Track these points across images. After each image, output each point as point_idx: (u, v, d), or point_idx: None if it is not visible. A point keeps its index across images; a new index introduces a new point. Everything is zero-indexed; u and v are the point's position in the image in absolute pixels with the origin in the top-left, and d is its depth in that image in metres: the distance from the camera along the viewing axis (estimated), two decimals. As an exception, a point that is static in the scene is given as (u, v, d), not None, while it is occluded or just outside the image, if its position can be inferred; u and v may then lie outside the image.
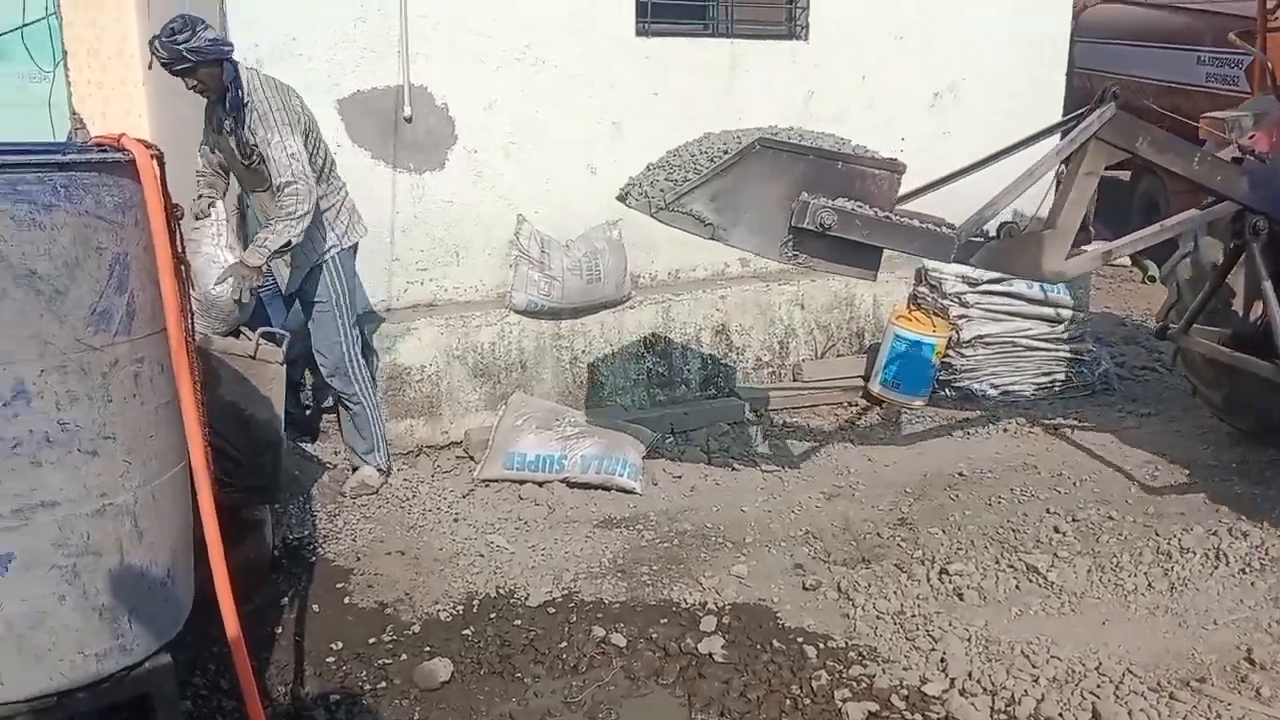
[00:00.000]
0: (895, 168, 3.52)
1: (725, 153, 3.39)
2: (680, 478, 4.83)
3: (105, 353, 2.00)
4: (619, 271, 5.29)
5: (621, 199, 3.65)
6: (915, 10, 6.09)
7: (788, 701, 3.15)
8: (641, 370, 5.51)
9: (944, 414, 5.65)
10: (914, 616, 3.59)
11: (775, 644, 3.43)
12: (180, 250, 2.14)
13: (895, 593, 3.74)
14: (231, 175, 4.31)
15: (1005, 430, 5.42)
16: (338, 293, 4.32)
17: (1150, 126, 3.91)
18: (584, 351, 5.38)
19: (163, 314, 2.09)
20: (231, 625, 2.28)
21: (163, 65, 3.83)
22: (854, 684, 3.22)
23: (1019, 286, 5.77)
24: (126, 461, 2.06)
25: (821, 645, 3.43)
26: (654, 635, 3.49)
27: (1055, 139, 4.04)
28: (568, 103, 5.30)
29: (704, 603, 3.70)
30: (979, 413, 5.66)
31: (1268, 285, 4.15)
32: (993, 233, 3.83)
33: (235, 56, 3.97)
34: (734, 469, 4.94)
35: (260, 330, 3.49)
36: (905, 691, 3.18)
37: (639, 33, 5.39)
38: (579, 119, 5.35)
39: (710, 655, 3.37)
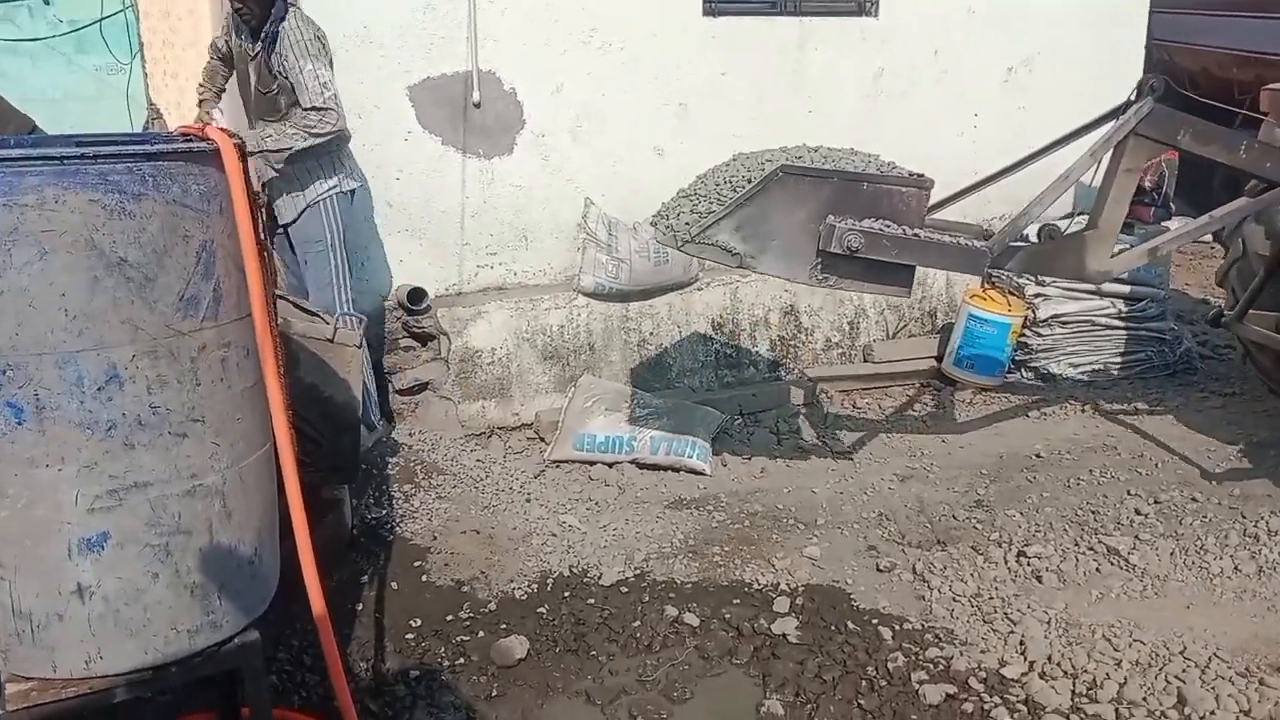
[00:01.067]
0: (922, 184, 3.48)
1: (749, 181, 3.40)
2: (750, 459, 4.82)
3: (193, 338, 2.05)
4: (687, 253, 5.27)
5: (654, 225, 3.69)
6: (988, -18, 5.96)
7: (863, 683, 3.13)
8: (710, 352, 5.50)
9: (1020, 395, 5.55)
10: (991, 599, 3.55)
11: (849, 625, 3.42)
12: (262, 237, 2.18)
13: (972, 575, 3.69)
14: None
15: (1083, 411, 5.31)
16: (333, 232, 4.37)
17: (1190, 118, 3.79)
18: (651, 334, 5.39)
19: (247, 299, 2.14)
20: (317, 603, 2.33)
21: None
22: (930, 666, 3.20)
23: (1097, 263, 5.63)
24: (215, 443, 2.12)
25: (897, 627, 3.41)
26: (727, 615, 3.50)
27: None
28: (634, 85, 5.29)
29: (777, 584, 3.70)
30: (1056, 393, 5.55)
31: None
32: (1033, 236, 3.79)
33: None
34: (804, 451, 4.92)
35: (338, 314, 3.56)
36: (983, 674, 3.15)
37: (706, 12, 5.36)
38: (646, 101, 5.34)
39: (784, 636, 3.37)
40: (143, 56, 8.31)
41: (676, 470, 4.66)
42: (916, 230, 3.45)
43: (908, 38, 5.82)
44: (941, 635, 3.36)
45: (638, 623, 3.47)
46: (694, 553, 3.94)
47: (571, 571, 3.80)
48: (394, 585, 3.67)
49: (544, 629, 3.44)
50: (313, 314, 3.35)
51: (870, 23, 5.76)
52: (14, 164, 1.87)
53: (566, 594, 3.65)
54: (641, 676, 3.21)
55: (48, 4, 10.18)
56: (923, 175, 3.53)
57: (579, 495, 4.46)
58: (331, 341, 3.23)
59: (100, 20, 9.91)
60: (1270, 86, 4.67)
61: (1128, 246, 4.01)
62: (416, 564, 3.81)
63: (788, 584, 3.70)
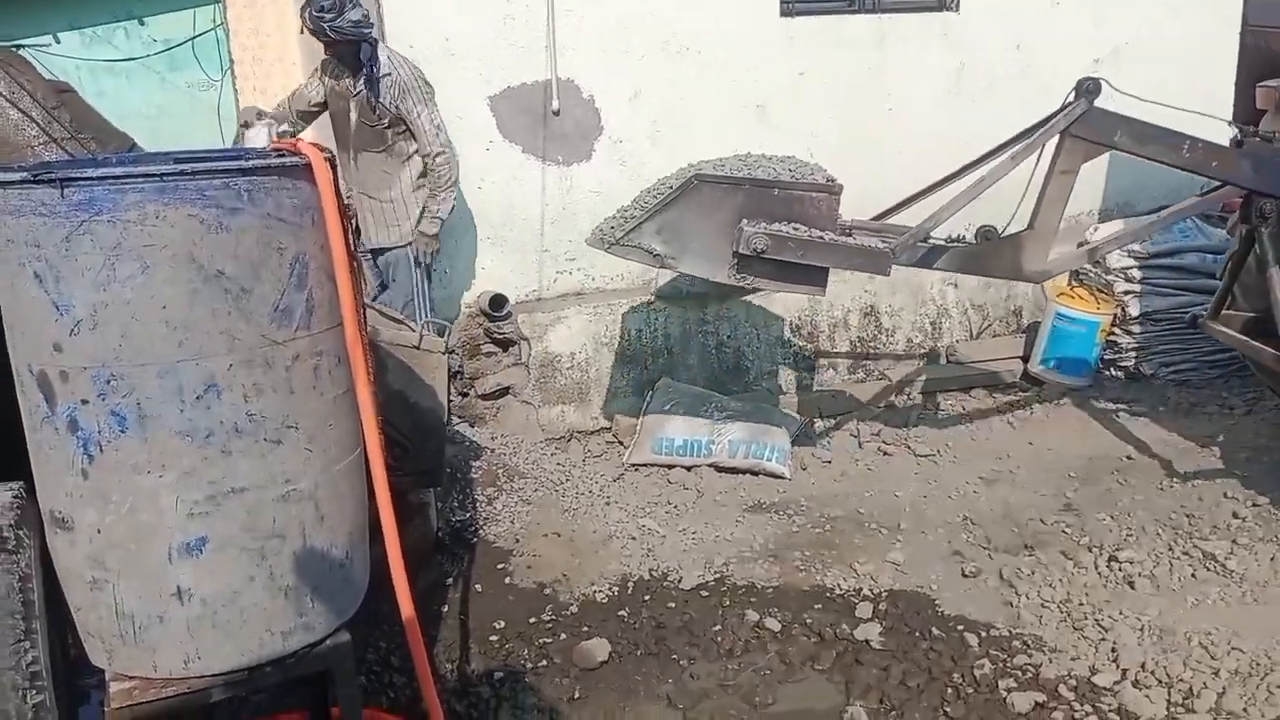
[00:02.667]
0: (832, 189, 3.69)
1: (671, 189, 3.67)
2: (830, 462, 4.78)
3: (287, 347, 2.11)
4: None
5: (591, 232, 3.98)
6: (1072, -27, 5.82)
7: (949, 690, 3.09)
8: (788, 354, 5.47)
9: (1109, 395, 5.40)
10: (1082, 605, 3.46)
11: (934, 631, 3.37)
12: (353, 249, 2.24)
13: (1061, 581, 3.61)
14: (321, 129, 4.67)
15: (1176, 411, 5.14)
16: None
17: (1128, 117, 3.72)
18: (730, 336, 5.38)
19: (338, 309, 2.20)
20: (406, 606, 2.38)
21: (309, 32, 4.12)
22: (1019, 673, 3.14)
23: (1190, 260, 5.46)
24: (308, 449, 2.17)
25: (983, 633, 3.35)
26: (809, 620, 3.47)
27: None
28: (712, 88, 5.29)
29: (859, 589, 3.66)
30: (1147, 393, 5.38)
31: (1274, 271, 3.86)
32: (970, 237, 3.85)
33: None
34: (886, 454, 4.86)
35: (424, 321, 3.63)
36: (1074, 681, 3.08)
37: (784, 13, 5.33)
38: (724, 103, 5.33)
39: (867, 642, 3.34)
40: (233, 73, 8.56)
41: (755, 474, 4.64)
42: (822, 233, 3.63)
43: (989, 31, 5.72)
44: (1030, 642, 3.30)
45: (718, 627, 3.47)
46: (774, 557, 3.92)
47: (651, 575, 3.82)
48: (478, 588, 3.73)
49: (625, 632, 3.46)
50: (399, 322, 3.42)
51: (951, 17, 5.67)
52: (117, 181, 1.94)
53: (647, 597, 3.66)
54: (723, 681, 3.21)
55: (142, 25, 10.56)
56: (833, 180, 3.72)
57: (658, 498, 4.47)
58: (418, 349, 3.29)
59: (192, 39, 10.25)
60: (1266, 84, 4.55)
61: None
62: (500, 566, 3.86)
63: (870, 589, 3.66)
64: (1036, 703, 3.00)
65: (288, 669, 2.28)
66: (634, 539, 4.09)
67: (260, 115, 4.39)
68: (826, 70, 5.46)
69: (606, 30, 5.04)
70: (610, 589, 3.73)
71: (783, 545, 4.01)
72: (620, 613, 3.57)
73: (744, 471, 4.65)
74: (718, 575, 3.80)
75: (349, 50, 4.29)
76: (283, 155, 2.18)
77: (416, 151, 4.51)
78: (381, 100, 4.33)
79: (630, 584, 3.76)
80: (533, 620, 3.53)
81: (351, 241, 2.22)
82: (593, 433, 5.15)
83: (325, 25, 4.11)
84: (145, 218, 1.94)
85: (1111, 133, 3.72)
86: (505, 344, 5.08)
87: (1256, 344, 4.05)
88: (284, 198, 2.08)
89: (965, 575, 3.74)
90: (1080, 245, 4.23)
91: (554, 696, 3.16)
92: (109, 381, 1.98)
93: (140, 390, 1.99)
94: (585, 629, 3.47)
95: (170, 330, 1.98)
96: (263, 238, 2.05)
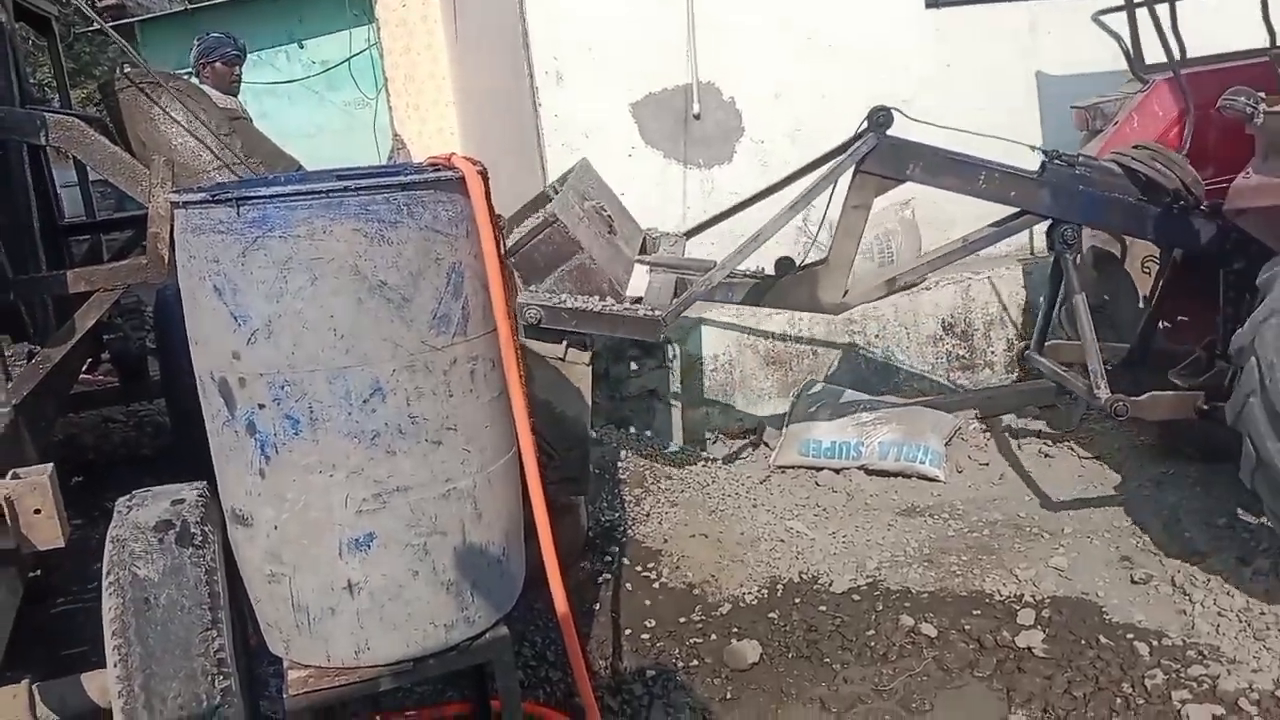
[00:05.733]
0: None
1: None
2: (987, 465, 4.64)
3: (445, 352, 2.19)
4: (913, 252, 5.14)
5: None
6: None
7: (1118, 700, 2.95)
8: (940, 354, 5.34)
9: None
10: (1263, 614, 3.25)
11: (1101, 639, 3.22)
12: (504, 258, 2.31)
13: (1239, 588, 3.40)
14: None
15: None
16: None
17: (924, 148, 3.53)
18: (877, 336, 5.28)
19: (492, 315, 2.28)
20: (560, 602, 2.44)
21: None
22: (1194, 685, 2.97)
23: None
24: (466, 450, 2.25)
25: (1155, 642, 3.19)
26: (966, 626, 3.38)
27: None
28: (855, 84, 5.20)
29: (1020, 594, 3.54)
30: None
31: (1079, 299, 3.61)
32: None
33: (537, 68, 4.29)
34: (1047, 455, 4.68)
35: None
36: (1256, 695, 2.90)
37: (929, 4, 5.21)
38: (867, 100, 5.21)
39: (1029, 649, 3.22)
40: (387, 91, 8.95)
41: (907, 476, 4.54)
42: (584, 303, 3.35)
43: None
44: (1206, 652, 3.12)
45: (871, 631, 3.41)
46: (929, 561, 3.83)
47: (801, 578, 3.79)
48: (628, 586, 3.78)
49: (776, 634, 3.44)
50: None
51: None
52: (287, 199, 2.06)
53: (797, 600, 3.63)
54: (878, 686, 3.15)
55: (301, 48, 11.17)
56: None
57: (806, 501, 4.43)
58: (563, 359, 3.36)
59: (348, 59, 10.75)
60: (1076, 104, 4.43)
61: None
62: (649, 566, 3.90)
63: (1032, 595, 3.53)
64: (1214, 716, 2.83)
65: (450, 661, 2.36)
66: (782, 541, 4.06)
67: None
68: (975, 61, 5.31)
69: (747, 31, 5.04)
70: (760, 591, 3.72)
71: (938, 549, 3.92)
72: (770, 615, 3.55)
73: (895, 474, 4.56)
74: (870, 579, 3.73)
75: None
76: (438, 169, 2.27)
77: None
78: None
79: (780, 586, 3.74)
80: (683, 620, 3.55)
81: (503, 250, 2.29)
82: (737, 435, 5.14)
83: None
84: (314, 232, 2.05)
85: (904, 166, 3.56)
86: (650, 347, 5.13)
87: (1067, 374, 3.87)
88: (440, 210, 2.17)
89: (1134, 582, 3.56)
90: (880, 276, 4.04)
91: (706, 696, 3.17)
92: (283, 387, 2.10)
93: (311, 395, 2.10)
94: (735, 630, 3.47)
95: (338, 338, 2.09)
96: (421, 249, 2.14)
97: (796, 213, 3.56)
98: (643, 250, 4.11)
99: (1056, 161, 3.63)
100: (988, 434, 4.92)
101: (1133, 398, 3.52)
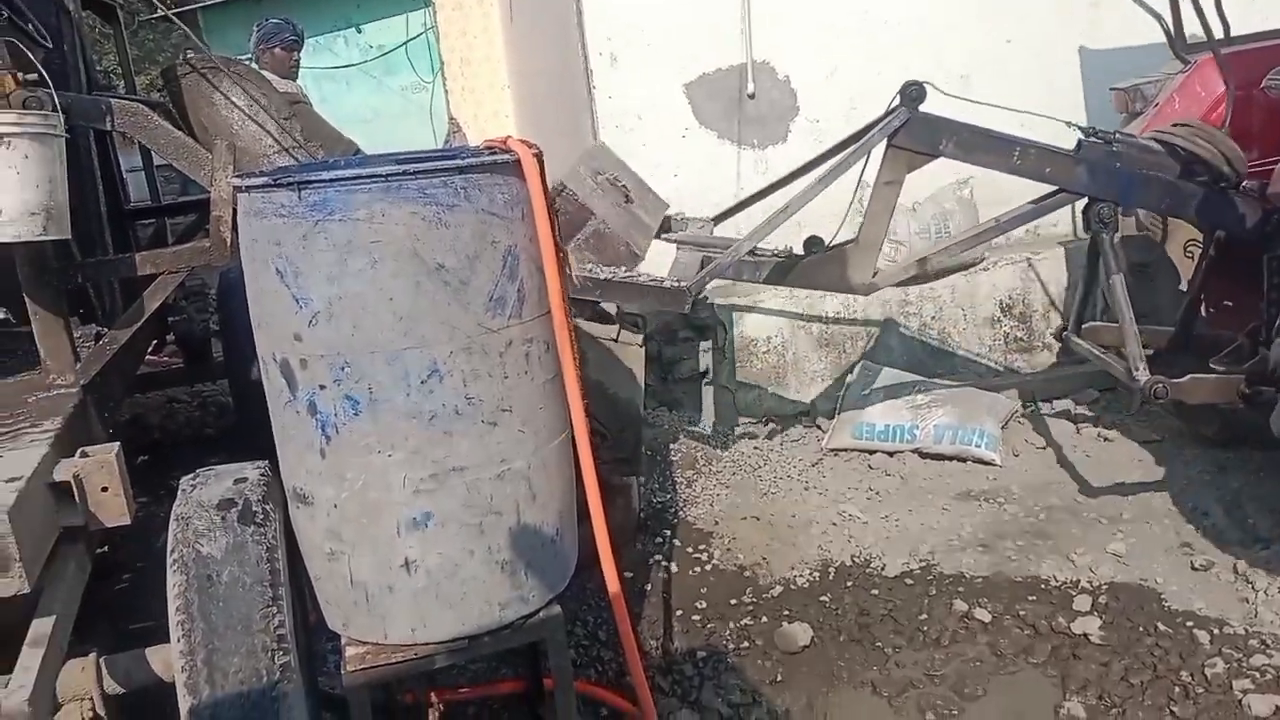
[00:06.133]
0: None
1: None
2: (1044, 449, 4.58)
3: (501, 334, 2.22)
4: (970, 233, 5.07)
5: None
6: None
7: (1177, 689, 2.91)
8: (997, 335, 5.27)
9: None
10: (1330, 604, 3.19)
11: (1160, 627, 3.18)
12: (559, 241, 2.32)
13: (1305, 577, 3.33)
14: None
15: None
16: None
17: (957, 123, 3.41)
18: (933, 318, 5.22)
19: (546, 298, 2.29)
20: (613, 582, 2.46)
21: None
22: (1257, 674, 2.92)
23: None
24: (521, 431, 2.28)
25: (1215, 630, 3.13)
26: (1021, 612, 3.35)
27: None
28: (911, 61, 5.11)
29: (1076, 580, 3.50)
30: None
31: (1117, 279, 3.47)
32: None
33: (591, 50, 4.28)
34: (1106, 439, 4.60)
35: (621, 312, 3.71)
36: (1321, 687, 2.84)
37: (986, -21, 5.12)
38: (923, 77, 5.15)
39: (1085, 636, 3.19)
40: (443, 74, 9.01)
41: (963, 460, 4.50)
42: (611, 273, 3.39)
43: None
44: (1269, 641, 3.06)
45: (924, 616, 3.39)
46: (984, 546, 3.80)
47: (853, 561, 3.78)
48: (679, 568, 3.80)
49: (827, 617, 3.44)
50: (599, 313, 3.51)
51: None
52: (347, 183, 2.09)
53: (849, 583, 3.63)
54: (930, 671, 3.14)
55: (359, 32, 11.28)
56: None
57: (858, 484, 4.41)
58: (616, 341, 3.37)
59: (405, 43, 10.84)
60: (1117, 86, 4.28)
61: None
62: (700, 548, 3.92)
63: (1089, 581, 3.49)
64: (1277, 706, 2.78)
65: (504, 639, 2.39)
66: (834, 524, 4.05)
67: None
68: (1035, 36, 5.21)
69: (802, 8, 4.99)
70: (811, 574, 3.71)
71: (993, 534, 3.88)
72: (822, 598, 3.55)
73: (950, 458, 4.52)
74: (923, 563, 3.71)
75: None
76: (495, 153, 2.28)
77: None
78: None
79: (831, 569, 3.73)
80: (733, 602, 3.57)
81: (558, 234, 2.30)
82: (790, 417, 5.13)
83: None
84: (373, 216, 2.08)
85: (937, 141, 3.45)
86: (702, 329, 5.13)
87: (1105, 357, 3.76)
88: (497, 193, 2.19)
89: (1195, 569, 3.50)
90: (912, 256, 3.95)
91: (756, 678, 3.18)
92: (343, 368, 2.14)
93: (371, 376, 2.14)
94: (786, 612, 3.48)
95: (397, 320, 2.12)
96: (478, 231, 2.16)
97: (825, 186, 3.51)
98: (665, 230, 4.10)
99: (1093, 138, 3.55)
100: (1046, 418, 4.86)
101: (1173, 380, 3.45)
